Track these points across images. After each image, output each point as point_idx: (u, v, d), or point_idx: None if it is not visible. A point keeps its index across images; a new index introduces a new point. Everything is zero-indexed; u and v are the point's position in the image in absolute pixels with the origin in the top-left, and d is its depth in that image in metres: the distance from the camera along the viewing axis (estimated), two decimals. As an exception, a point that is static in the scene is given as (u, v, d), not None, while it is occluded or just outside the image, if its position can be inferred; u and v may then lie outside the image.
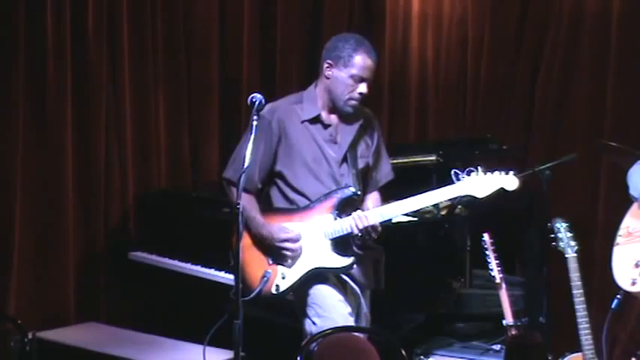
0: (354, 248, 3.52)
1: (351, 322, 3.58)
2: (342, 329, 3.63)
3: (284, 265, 3.55)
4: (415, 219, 4.64)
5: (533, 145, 5.58)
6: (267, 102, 3.40)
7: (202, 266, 4.51)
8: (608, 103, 5.23)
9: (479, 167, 3.43)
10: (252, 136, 3.25)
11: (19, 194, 4.52)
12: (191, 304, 4.64)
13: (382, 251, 3.70)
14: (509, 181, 3.44)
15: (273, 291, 3.54)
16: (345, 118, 3.62)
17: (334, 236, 3.50)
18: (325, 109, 3.60)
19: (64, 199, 4.71)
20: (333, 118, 3.61)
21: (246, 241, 3.59)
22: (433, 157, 4.70)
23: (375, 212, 3.45)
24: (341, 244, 3.51)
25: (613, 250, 3.85)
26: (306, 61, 5.72)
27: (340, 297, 3.57)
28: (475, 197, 3.45)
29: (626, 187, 4.04)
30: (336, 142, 3.59)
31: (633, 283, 3.77)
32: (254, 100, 3.34)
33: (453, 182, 3.42)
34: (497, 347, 4.87)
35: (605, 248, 5.02)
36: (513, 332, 4.05)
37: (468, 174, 3.40)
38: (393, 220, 4.50)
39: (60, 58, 4.65)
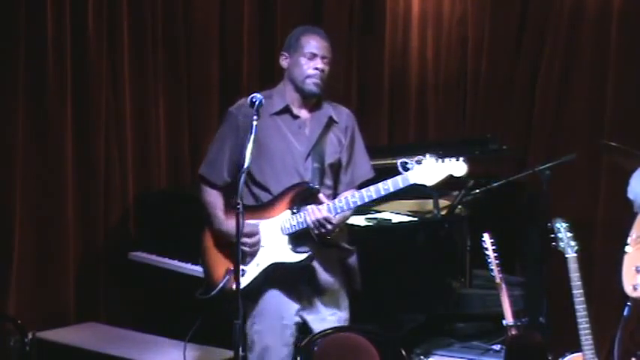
0: (317, 242, 3.51)
1: (286, 336, 3.57)
2: (343, 329, 3.64)
3: (244, 262, 3.56)
4: (415, 219, 4.64)
5: (533, 145, 5.58)
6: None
7: (202, 266, 4.51)
8: (608, 103, 5.24)
9: (427, 155, 3.38)
10: (252, 136, 3.25)
11: (19, 194, 4.52)
12: (191, 304, 4.64)
13: (352, 251, 3.67)
14: (457, 168, 3.38)
15: (234, 288, 3.56)
16: (314, 110, 3.61)
17: (291, 231, 3.50)
18: (295, 104, 3.60)
19: (64, 199, 4.71)
20: (304, 113, 3.61)
21: (209, 241, 3.63)
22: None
23: (329, 205, 3.45)
24: (297, 240, 3.51)
25: (623, 258, 3.87)
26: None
27: (282, 307, 3.56)
28: (425, 186, 3.41)
29: (625, 187, 4.04)
30: (304, 135, 3.59)
31: (635, 289, 3.77)
32: (254, 100, 3.35)
33: (401, 172, 3.38)
34: (497, 347, 4.88)
35: (605, 248, 5.06)
36: (513, 332, 4.05)
37: (418, 162, 3.36)
38: (394, 221, 4.55)
39: (60, 58, 4.65)
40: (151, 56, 5.10)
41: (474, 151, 5.15)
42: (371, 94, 6.07)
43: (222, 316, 3.65)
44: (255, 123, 3.28)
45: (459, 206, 4.68)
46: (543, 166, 4.70)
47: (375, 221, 4.50)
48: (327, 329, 3.61)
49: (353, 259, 3.67)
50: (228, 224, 3.53)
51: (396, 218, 4.58)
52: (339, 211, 3.45)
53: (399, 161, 3.35)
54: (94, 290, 4.88)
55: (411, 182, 3.36)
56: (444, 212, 4.63)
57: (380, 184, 3.40)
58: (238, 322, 3.15)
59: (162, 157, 5.20)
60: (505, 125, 5.76)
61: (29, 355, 4.03)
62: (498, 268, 4.06)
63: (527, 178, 4.94)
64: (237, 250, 3.20)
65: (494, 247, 4.08)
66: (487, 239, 4.10)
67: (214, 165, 3.63)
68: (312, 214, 3.43)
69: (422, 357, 4.72)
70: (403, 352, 3.65)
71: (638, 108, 5.15)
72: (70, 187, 4.73)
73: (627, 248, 3.85)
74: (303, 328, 3.62)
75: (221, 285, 3.54)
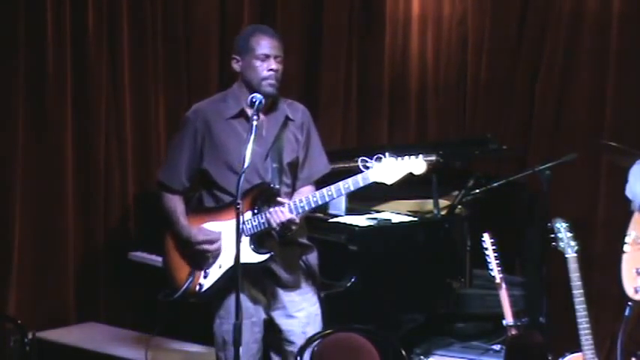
0: (277, 243, 3.52)
1: (255, 332, 3.59)
2: (342, 329, 3.64)
3: (206, 265, 3.57)
4: (415, 219, 4.64)
5: (533, 145, 5.58)
6: (206, 114, 3.51)
7: (202, 266, 4.50)
8: (608, 103, 5.24)
9: (387, 153, 3.38)
10: (252, 136, 3.26)
11: (19, 194, 4.52)
12: (190, 304, 4.64)
13: (312, 247, 3.67)
14: (417, 165, 3.39)
15: (197, 289, 3.57)
16: (270, 110, 3.60)
17: (252, 232, 3.49)
18: (249, 106, 3.58)
19: (64, 199, 4.71)
20: (260, 114, 3.59)
21: (171, 244, 3.64)
22: (433, 157, 4.69)
23: (290, 205, 3.45)
24: (259, 240, 3.50)
25: (622, 257, 3.86)
26: (306, 61, 5.72)
27: (249, 305, 3.56)
28: (385, 184, 3.41)
29: (624, 186, 4.04)
30: (261, 137, 3.57)
31: (636, 291, 3.78)
32: (254, 100, 3.35)
33: (361, 171, 3.38)
34: (497, 347, 4.88)
35: (605, 248, 5.07)
36: (513, 332, 4.05)
37: (378, 160, 3.36)
38: (394, 221, 4.55)
39: (60, 58, 4.65)
40: (151, 56, 5.10)
41: (474, 151, 5.16)
42: (371, 94, 6.07)
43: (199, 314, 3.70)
44: (255, 123, 3.28)
45: (459, 206, 4.68)
46: (543, 166, 4.70)
47: (375, 221, 4.50)
48: (327, 330, 3.61)
49: (313, 256, 3.67)
50: (190, 230, 3.56)
51: (396, 218, 4.57)
52: (300, 211, 3.44)
53: (359, 160, 3.35)
54: (94, 290, 4.88)
55: (371, 181, 3.37)
56: (444, 212, 4.63)
57: (341, 183, 3.41)
58: (238, 322, 3.15)
59: (162, 157, 5.19)
60: (505, 125, 5.76)
61: (29, 355, 4.02)
62: (498, 268, 4.06)
63: (527, 178, 4.94)
64: (238, 250, 3.20)
65: (494, 247, 4.07)
66: (487, 239, 4.09)
67: (173, 171, 3.62)
68: (276, 216, 3.43)
69: (422, 357, 4.72)
70: (403, 352, 3.65)
71: (638, 108, 5.15)
72: (70, 187, 4.73)
73: (626, 247, 3.85)
74: (269, 324, 3.63)
75: (184, 288, 3.57)
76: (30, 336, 4.13)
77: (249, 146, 3.24)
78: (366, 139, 5.97)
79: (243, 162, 3.22)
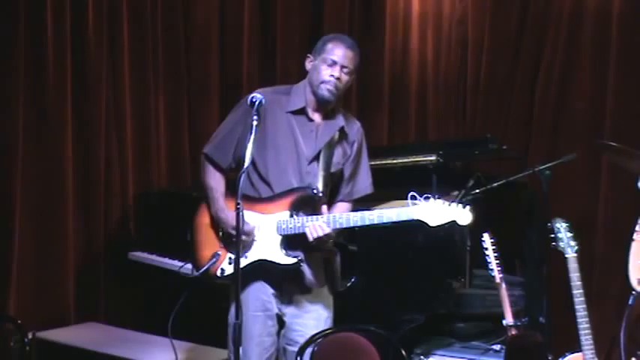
0: (307, 246, 3.51)
1: (269, 326, 3.59)
2: (342, 329, 3.64)
3: (233, 252, 3.56)
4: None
5: (533, 145, 5.59)
6: (267, 102, 3.44)
7: (202, 266, 4.50)
8: (608, 103, 5.24)
9: (436, 196, 3.38)
10: (252, 136, 3.25)
11: (19, 194, 4.52)
12: (191, 303, 4.63)
13: (335, 252, 3.67)
14: (464, 216, 3.37)
15: (218, 274, 3.57)
16: (328, 117, 3.61)
17: (286, 232, 3.50)
18: (310, 106, 3.60)
19: (64, 199, 4.71)
20: (317, 117, 3.61)
21: (204, 220, 3.63)
22: (433, 157, 4.70)
23: (329, 219, 3.44)
24: (290, 242, 3.51)
25: (631, 245, 3.87)
26: (306, 61, 5.72)
27: (265, 298, 3.57)
28: (426, 224, 3.40)
29: (625, 184, 4.04)
30: (313, 140, 3.59)
31: (639, 283, 3.79)
32: (254, 100, 3.35)
33: (408, 205, 3.37)
34: (497, 347, 4.88)
35: (605, 248, 5.07)
36: (513, 332, 4.05)
37: (426, 199, 3.35)
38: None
39: (60, 58, 4.65)
40: (151, 56, 5.11)
41: (473, 151, 5.16)
42: (371, 94, 6.07)
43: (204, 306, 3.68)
44: (255, 124, 3.27)
45: (459, 206, 4.68)
46: (543, 166, 4.69)
47: (375, 221, 4.50)
48: (327, 329, 3.61)
49: (336, 261, 3.67)
50: (228, 214, 3.53)
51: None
52: (337, 226, 3.44)
53: (409, 195, 3.34)
54: (94, 290, 4.88)
55: (414, 218, 3.35)
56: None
57: (384, 212, 3.40)
58: (238, 322, 3.15)
59: (162, 157, 5.21)
60: (505, 125, 5.77)
61: (29, 355, 4.03)
62: (498, 268, 4.06)
63: (527, 178, 4.93)
64: (238, 252, 3.20)
65: (494, 247, 4.08)
66: (487, 239, 4.10)
67: (222, 147, 3.61)
68: (314, 230, 3.42)
69: (422, 357, 4.72)
70: (403, 352, 3.65)
71: (638, 108, 5.16)
72: (70, 187, 4.74)
73: (635, 236, 3.86)
74: (280, 320, 3.64)
75: (205, 267, 3.55)
76: (30, 336, 4.15)
77: (250, 146, 3.23)
78: (365, 138, 5.96)
79: (244, 162, 3.22)
